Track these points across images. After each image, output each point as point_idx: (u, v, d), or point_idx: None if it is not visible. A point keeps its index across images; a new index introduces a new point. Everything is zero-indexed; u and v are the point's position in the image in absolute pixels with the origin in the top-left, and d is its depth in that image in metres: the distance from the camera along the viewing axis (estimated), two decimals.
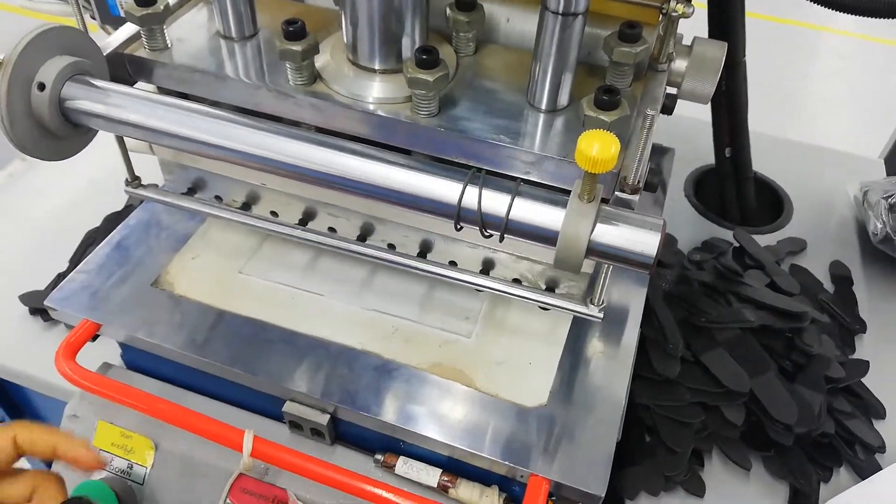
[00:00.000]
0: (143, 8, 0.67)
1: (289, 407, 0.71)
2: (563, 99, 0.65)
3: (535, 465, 0.65)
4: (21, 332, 0.94)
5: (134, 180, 0.78)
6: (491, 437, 0.67)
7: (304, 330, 0.75)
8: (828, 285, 1.04)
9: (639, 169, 0.57)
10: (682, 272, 0.99)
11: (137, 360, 0.81)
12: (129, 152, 0.76)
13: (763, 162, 1.19)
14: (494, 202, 0.56)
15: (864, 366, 0.91)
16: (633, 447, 0.81)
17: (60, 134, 0.65)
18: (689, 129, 1.21)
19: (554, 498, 0.66)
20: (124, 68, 0.71)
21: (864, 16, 0.80)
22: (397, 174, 0.59)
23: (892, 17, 0.78)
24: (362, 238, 0.78)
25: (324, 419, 0.70)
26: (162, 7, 0.67)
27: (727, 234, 1.10)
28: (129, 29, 0.71)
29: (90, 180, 1.17)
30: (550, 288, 0.75)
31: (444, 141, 0.63)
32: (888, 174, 1.29)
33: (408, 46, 0.66)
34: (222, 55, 0.70)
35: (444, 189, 0.57)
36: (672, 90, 0.73)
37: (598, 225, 0.54)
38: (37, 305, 0.95)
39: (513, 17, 0.72)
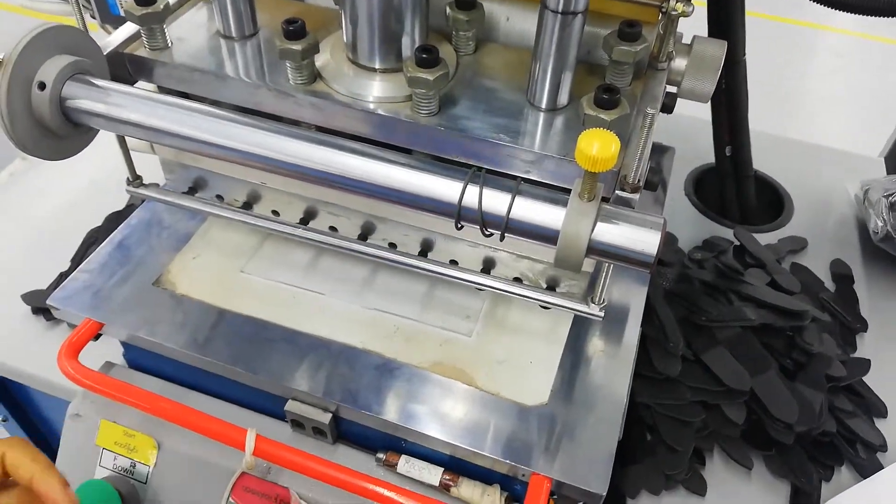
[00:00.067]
0: (143, 7, 0.67)
1: (291, 406, 0.71)
2: (563, 98, 0.65)
3: (536, 464, 0.65)
4: (23, 331, 0.95)
5: (135, 180, 0.78)
6: (492, 435, 0.67)
7: (306, 329, 0.75)
8: (829, 284, 1.04)
9: (639, 168, 0.57)
10: (683, 271, 0.99)
11: (139, 359, 0.81)
12: (131, 152, 0.77)
13: (763, 160, 1.19)
14: (495, 201, 0.56)
15: (865, 364, 0.91)
16: (634, 446, 0.81)
17: (61, 133, 0.65)
18: (689, 128, 1.21)
19: (555, 497, 0.66)
20: (124, 68, 0.71)
21: (864, 14, 0.80)
22: (398, 173, 0.59)
23: (892, 16, 0.78)
24: (363, 237, 0.79)
25: (326, 418, 0.70)
26: (162, 6, 0.67)
27: (728, 233, 1.10)
28: (129, 28, 0.71)
29: (91, 180, 1.17)
30: (551, 287, 0.75)
31: (444, 140, 0.63)
32: (888, 173, 1.29)
33: (408, 45, 0.66)
34: (222, 54, 0.70)
35: (445, 188, 0.57)
36: (672, 89, 0.73)
37: (599, 224, 0.54)
38: (39, 305, 0.96)
39: (512, 16, 0.72)
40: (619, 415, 0.69)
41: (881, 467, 0.81)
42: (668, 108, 0.76)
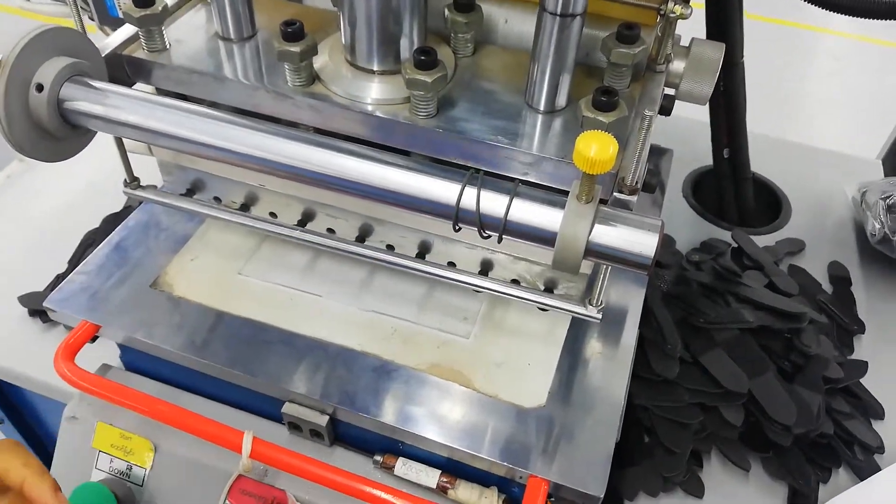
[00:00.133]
0: (141, 9, 0.67)
1: (288, 408, 0.71)
2: (562, 100, 0.65)
3: (534, 466, 0.65)
4: (20, 333, 0.94)
5: (133, 181, 0.78)
6: (490, 438, 0.67)
7: (303, 331, 0.75)
8: (826, 286, 1.04)
9: (637, 170, 0.57)
10: (681, 273, 0.99)
11: (136, 361, 0.81)
12: (128, 153, 0.76)
13: (761, 163, 1.19)
14: (493, 203, 0.56)
15: (862, 366, 0.91)
16: (631, 448, 0.81)
17: (59, 135, 0.65)
18: (687, 130, 1.21)
19: (553, 499, 0.66)
20: (123, 69, 0.71)
21: (860, 17, 0.80)
22: (396, 175, 0.59)
23: (889, 19, 0.78)
24: (361, 239, 0.78)
25: (323, 420, 0.70)
26: (160, 8, 0.67)
27: (725, 235, 1.10)
28: (127, 30, 0.71)
29: (89, 181, 1.17)
30: (549, 289, 0.75)
31: (442, 142, 0.63)
32: (886, 175, 1.29)
33: (406, 47, 0.66)
34: (221, 56, 0.70)
35: (443, 190, 0.57)
36: (670, 91, 0.73)
37: (597, 226, 0.54)
38: (36, 307, 0.95)
39: (511, 19, 0.72)
40: (616, 417, 0.69)
41: (878, 469, 0.81)
42: (666, 110, 0.76)
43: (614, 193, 0.59)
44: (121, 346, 0.80)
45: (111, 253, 0.82)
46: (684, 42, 0.72)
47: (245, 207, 0.82)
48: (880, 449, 0.84)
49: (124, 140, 0.74)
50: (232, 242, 0.84)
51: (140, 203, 0.88)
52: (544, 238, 0.56)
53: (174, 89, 0.70)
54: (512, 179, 0.59)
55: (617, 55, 0.64)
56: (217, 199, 0.83)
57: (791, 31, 3.73)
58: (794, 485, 0.80)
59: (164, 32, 0.70)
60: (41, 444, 1.14)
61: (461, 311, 0.79)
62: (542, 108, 0.65)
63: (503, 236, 0.57)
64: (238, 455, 0.67)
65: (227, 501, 0.71)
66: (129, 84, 0.71)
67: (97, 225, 1.07)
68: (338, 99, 0.65)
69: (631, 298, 0.81)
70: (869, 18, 0.80)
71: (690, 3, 0.65)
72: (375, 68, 0.67)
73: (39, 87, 0.61)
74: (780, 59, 3.42)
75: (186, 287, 0.79)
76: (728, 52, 0.73)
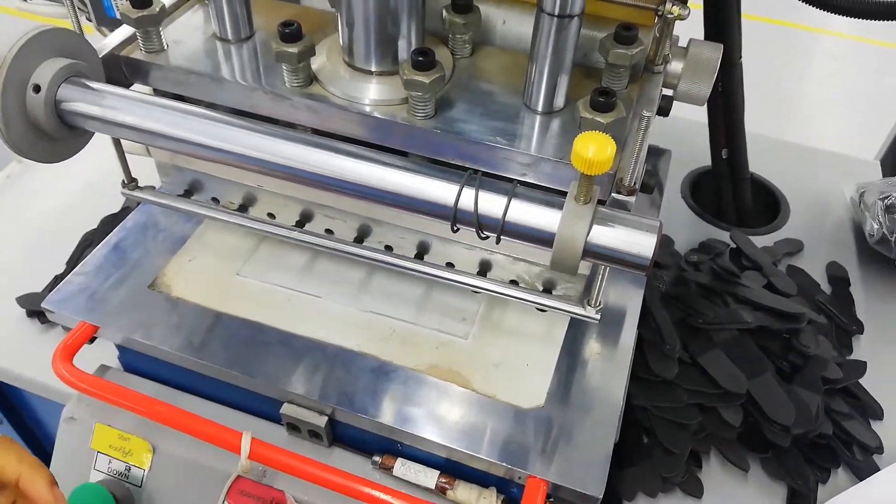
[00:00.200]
0: (138, 10, 0.66)
1: (286, 409, 0.71)
2: (560, 101, 0.65)
3: (532, 467, 0.65)
4: (18, 334, 0.94)
5: (130, 182, 0.78)
6: (489, 438, 0.67)
7: (302, 332, 0.75)
8: (825, 286, 1.04)
9: (635, 170, 0.57)
10: (679, 273, 0.99)
11: (135, 362, 0.81)
12: (126, 154, 0.76)
13: (759, 163, 1.19)
14: (491, 204, 0.56)
15: (861, 367, 0.91)
16: (630, 448, 0.81)
17: (56, 136, 0.65)
18: (685, 131, 1.21)
19: (552, 499, 0.66)
20: (120, 70, 0.71)
21: (856, 18, 0.80)
22: (394, 176, 0.59)
23: (885, 20, 0.78)
24: (359, 240, 0.78)
25: (321, 421, 0.70)
26: (158, 9, 0.67)
27: (724, 236, 1.10)
28: (125, 31, 0.71)
29: (87, 182, 1.17)
30: (547, 289, 0.75)
31: (440, 143, 0.63)
32: (884, 175, 1.29)
33: (404, 48, 0.66)
34: (218, 57, 0.70)
35: (441, 191, 0.57)
36: (668, 92, 0.73)
37: (595, 227, 0.54)
38: (34, 308, 0.95)
39: (509, 19, 0.72)
40: (615, 417, 0.69)
41: (877, 469, 0.81)
42: (664, 110, 0.76)
43: (612, 194, 0.59)
44: (119, 347, 0.80)
45: (109, 254, 0.82)
46: (682, 43, 0.72)
47: (243, 208, 0.82)
48: (879, 449, 0.84)
49: (122, 141, 0.74)
50: (230, 243, 0.84)
51: (138, 204, 0.88)
52: (542, 239, 0.56)
53: (172, 90, 0.70)
54: (510, 180, 0.59)
55: (615, 56, 0.64)
56: (215, 199, 0.83)
57: (789, 31, 3.74)
58: (792, 485, 0.80)
59: (161, 33, 0.70)
60: (40, 444, 1.14)
61: (460, 311, 0.78)
62: (540, 108, 0.65)
63: (501, 237, 0.57)
64: (237, 456, 0.67)
65: (225, 502, 0.71)
66: (127, 85, 0.71)
67: (95, 226, 1.07)
68: (335, 100, 0.65)
69: (629, 299, 0.81)
70: (864, 19, 0.80)
71: (688, 4, 0.65)
72: (373, 69, 0.67)
73: (36, 88, 0.61)
74: (778, 60, 3.43)
75: (184, 288, 0.79)
76: (726, 52, 0.73)
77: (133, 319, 0.75)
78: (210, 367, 0.72)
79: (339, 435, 0.74)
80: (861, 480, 0.80)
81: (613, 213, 0.55)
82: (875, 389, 0.90)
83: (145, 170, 0.81)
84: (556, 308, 0.69)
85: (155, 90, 0.72)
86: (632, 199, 0.58)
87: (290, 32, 0.63)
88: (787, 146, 1.33)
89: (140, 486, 0.74)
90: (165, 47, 0.70)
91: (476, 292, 0.77)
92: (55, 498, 0.57)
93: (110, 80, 0.68)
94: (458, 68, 0.70)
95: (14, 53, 0.59)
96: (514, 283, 0.76)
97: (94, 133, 0.68)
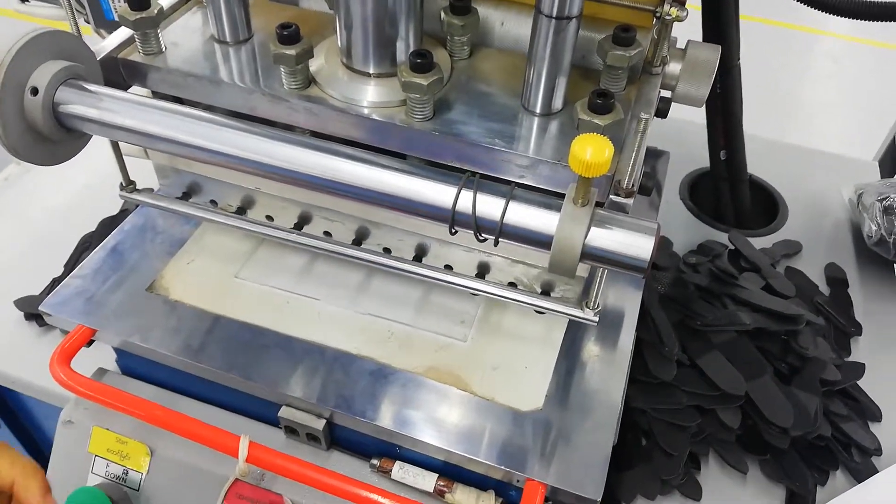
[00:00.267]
0: (137, 12, 0.66)
1: (284, 412, 0.71)
2: (558, 102, 0.65)
3: (531, 470, 0.64)
4: (16, 337, 0.94)
5: (129, 185, 0.78)
6: (487, 441, 0.66)
7: (300, 334, 0.75)
8: (823, 288, 1.04)
9: (633, 172, 0.57)
10: (678, 275, 0.99)
11: (133, 365, 0.80)
12: (124, 157, 0.76)
13: (758, 164, 1.19)
14: (489, 206, 0.56)
15: (859, 368, 0.91)
16: (629, 451, 0.81)
17: (54, 138, 0.65)
18: (683, 132, 1.21)
19: (550, 502, 0.66)
20: (118, 72, 0.70)
21: (850, 18, 0.80)
22: (392, 178, 0.59)
23: (882, 21, 0.79)
24: (358, 242, 0.78)
25: (319, 424, 0.70)
26: (156, 11, 0.67)
27: (722, 237, 1.10)
28: (123, 33, 0.71)
29: (85, 184, 1.17)
30: (546, 291, 0.75)
31: (438, 145, 0.63)
32: (882, 176, 1.29)
33: (402, 50, 0.66)
34: (217, 59, 0.70)
35: (439, 193, 0.57)
36: (666, 93, 0.73)
37: (593, 229, 0.54)
38: (32, 311, 0.95)
39: (507, 21, 0.72)
40: (614, 420, 0.69)
41: (876, 471, 0.81)
42: (662, 112, 0.76)
43: (610, 196, 0.59)
44: (117, 350, 0.80)
45: (107, 256, 0.82)
46: (680, 44, 0.72)
47: (241, 211, 0.82)
48: (877, 451, 0.84)
49: (120, 143, 0.74)
50: (228, 246, 0.84)
51: (136, 206, 0.88)
52: (540, 241, 0.56)
53: (170, 92, 0.70)
54: (508, 182, 0.59)
55: (613, 58, 0.64)
56: (213, 202, 0.83)
57: (788, 32, 3.74)
58: (791, 487, 0.80)
59: (159, 35, 0.70)
60: (38, 448, 1.14)
61: (458, 314, 0.78)
62: (538, 110, 0.65)
63: (499, 239, 0.57)
64: (234, 459, 0.67)
65: None
66: (125, 87, 0.71)
67: (93, 228, 1.07)
68: (334, 102, 0.65)
69: (628, 301, 0.81)
70: (860, 20, 0.80)
71: (686, 6, 0.65)
72: (371, 71, 0.67)
73: (34, 91, 0.61)
74: (776, 61, 3.43)
75: (183, 291, 0.79)
76: (724, 54, 0.73)
77: (131, 322, 0.75)
78: (208, 370, 0.72)
79: (337, 438, 0.74)
80: (859, 482, 0.80)
81: (611, 215, 0.55)
82: (873, 391, 0.90)
83: (143, 172, 0.81)
84: (554, 310, 0.69)
85: (153, 92, 0.72)
86: (630, 201, 0.58)
87: (288, 34, 0.63)
88: (785, 147, 1.33)
89: (138, 490, 0.74)
90: (163, 49, 0.70)
91: (474, 295, 0.76)
92: None
93: (108, 83, 0.68)
94: (457, 70, 0.70)
95: (12, 56, 0.59)
96: (512, 285, 0.75)
97: (92, 135, 0.68)
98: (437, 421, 0.68)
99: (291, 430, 0.72)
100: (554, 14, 0.58)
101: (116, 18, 0.68)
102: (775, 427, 0.81)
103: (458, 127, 0.63)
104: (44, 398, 0.89)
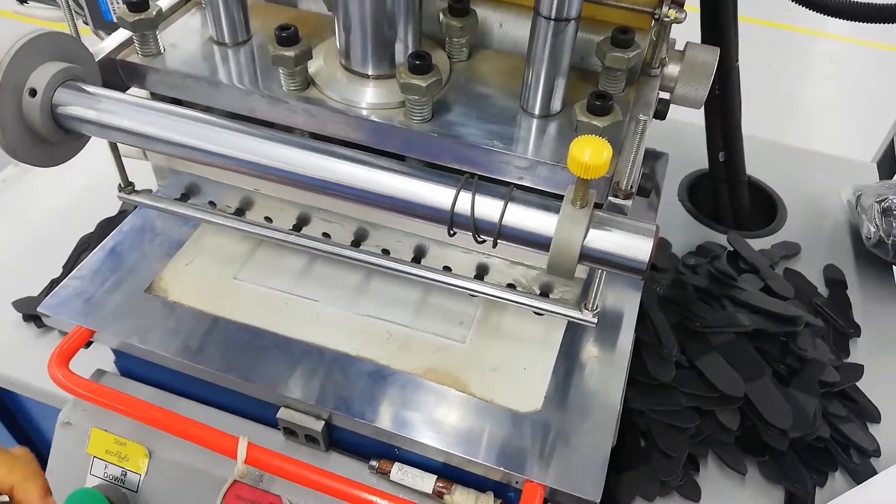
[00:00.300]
0: (135, 13, 0.66)
1: (283, 413, 0.71)
2: (556, 104, 0.65)
3: (530, 471, 0.64)
4: (14, 338, 0.94)
5: (127, 186, 0.78)
6: (486, 443, 0.66)
7: (299, 336, 0.74)
8: (822, 289, 1.04)
9: (632, 174, 0.57)
10: (677, 276, 0.99)
11: (131, 366, 0.80)
12: (123, 158, 0.76)
13: (757, 166, 1.19)
14: (487, 207, 0.56)
15: (858, 369, 0.91)
16: (628, 452, 0.81)
17: (52, 140, 0.65)
18: (682, 134, 1.21)
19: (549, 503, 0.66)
20: (117, 74, 0.70)
21: (846, 19, 0.80)
22: (391, 180, 0.59)
23: (879, 23, 0.79)
24: (356, 243, 0.78)
25: (318, 425, 0.70)
26: (154, 12, 0.67)
27: (721, 239, 1.10)
28: (121, 34, 0.71)
29: (84, 186, 1.17)
30: (544, 293, 0.75)
31: (437, 146, 0.63)
32: (881, 178, 1.29)
33: (401, 52, 0.66)
34: (215, 61, 0.70)
35: (438, 194, 0.57)
36: (665, 95, 0.73)
37: (591, 230, 0.54)
38: (30, 312, 0.95)
39: (506, 23, 0.72)
40: (613, 421, 0.69)
41: (875, 472, 0.81)
42: (661, 114, 0.76)
43: (609, 198, 0.59)
44: (115, 352, 0.80)
45: (106, 258, 0.82)
46: (679, 46, 0.72)
47: (240, 212, 0.82)
48: (876, 452, 0.84)
49: (119, 145, 0.74)
50: (227, 247, 0.84)
51: (135, 208, 0.88)
52: (539, 242, 0.56)
53: (168, 94, 0.70)
54: (507, 184, 0.59)
55: (611, 59, 0.64)
56: (212, 203, 0.83)
57: (786, 34, 3.74)
58: (790, 489, 0.80)
59: (158, 37, 0.70)
60: (36, 449, 1.13)
61: (457, 315, 0.78)
62: (536, 112, 0.65)
63: (498, 241, 0.57)
64: (233, 461, 0.67)
65: None
66: (124, 89, 0.71)
67: (92, 229, 1.07)
68: (333, 103, 0.65)
69: (627, 302, 0.81)
70: (858, 21, 0.80)
71: (685, 7, 0.65)
72: (370, 73, 0.67)
73: (33, 92, 0.61)
74: (776, 62, 3.43)
75: (181, 292, 0.79)
76: (723, 55, 0.73)
77: (129, 324, 0.75)
78: (207, 371, 0.72)
79: (336, 439, 0.73)
80: (858, 484, 0.80)
81: (610, 216, 0.55)
82: (872, 392, 0.90)
83: (142, 173, 0.81)
84: (553, 312, 0.69)
85: (152, 94, 0.72)
86: (628, 202, 0.58)
87: (286, 36, 0.63)
88: (784, 149, 1.33)
89: (136, 491, 0.74)
90: (162, 51, 0.70)
91: (473, 296, 0.76)
92: None
93: (107, 84, 0.68)
94: (455, 72, 0.70)
95: (10, 57, 0.59)
96: (511, 286, 0.75)
97: (90, 137, 0.68)
98: (436, 422, 0.68)
99: (290, 431, 0.72)
100: (552, 16, 0.58)
101: (115, 20, 0.68)
102: (774, 428, 0.81)
103: (457, 128, 0.63)
104: (42, 399, 0.89)
